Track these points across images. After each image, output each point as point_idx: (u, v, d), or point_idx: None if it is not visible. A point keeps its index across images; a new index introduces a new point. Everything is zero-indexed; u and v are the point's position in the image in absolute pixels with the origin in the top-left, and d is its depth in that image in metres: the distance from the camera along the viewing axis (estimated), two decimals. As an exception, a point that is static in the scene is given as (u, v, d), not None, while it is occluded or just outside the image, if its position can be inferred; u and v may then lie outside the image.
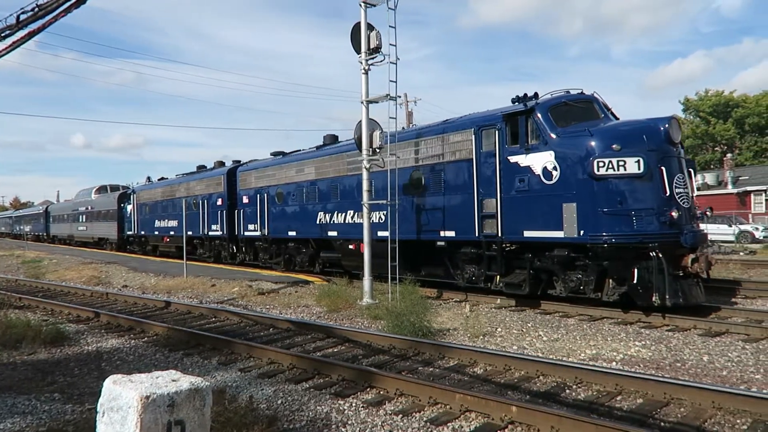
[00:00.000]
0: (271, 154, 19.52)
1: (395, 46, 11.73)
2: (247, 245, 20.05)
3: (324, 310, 11.54)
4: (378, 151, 12.30)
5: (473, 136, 11.62)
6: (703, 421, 5.02)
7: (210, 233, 21.74)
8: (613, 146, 9.62)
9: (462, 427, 5.02)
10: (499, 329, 9.31)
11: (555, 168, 10.11)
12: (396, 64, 11.73)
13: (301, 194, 16.79)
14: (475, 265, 11.96)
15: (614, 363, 7.22)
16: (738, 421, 5.01)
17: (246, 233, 19.50)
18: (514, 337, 8.78)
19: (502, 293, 11.49)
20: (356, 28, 12.13)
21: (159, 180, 28.51)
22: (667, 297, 9.14)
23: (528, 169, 10.54)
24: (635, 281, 9.43)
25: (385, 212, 13.34)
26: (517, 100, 11.29)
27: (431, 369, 6.96)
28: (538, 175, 10.37)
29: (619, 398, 5.70)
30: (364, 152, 12.19)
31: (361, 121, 12.28)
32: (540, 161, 10.35)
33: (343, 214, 15.05)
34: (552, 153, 10.19)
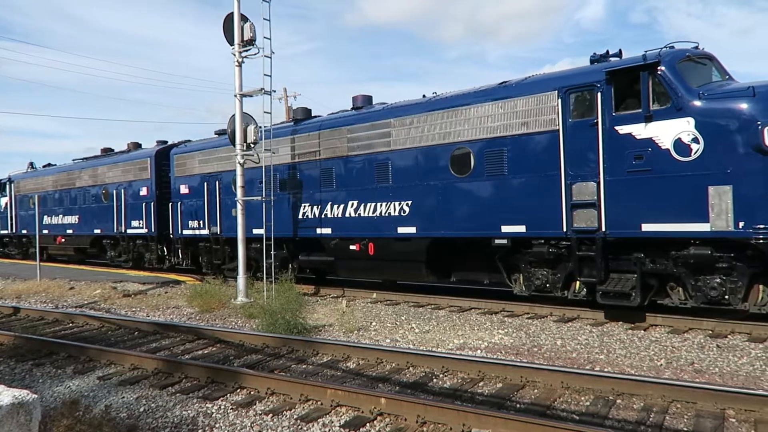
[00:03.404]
0: (216, 133, 15.80)
1: (270, 39, 11.55)
2: (185, 247, 16.12)
3: (196, 311, 11.08)
4: (253, 146, 12.03)
5: (558, 101, 9.10)
6: (553, 401, 5.46)
7: (129, 231, 17.68)
8: None
9: (332, 422, 5.05)
10: (373, 323, 9.49)
11: (695, 140, 7.94)
12: (271, 57, 11.57)
13: (274, 181, 13.00)
14: (548, 269, 9.67)
15: (479, 351, 7.63)
16: (582, 398, 5.51)
17: (185, 232, 15.68)
18: (388, 331, 8.99)
19: (588, 305, 9.38)
20: (229, 19, 11.77)
21: (45, 167, 23.34)
22: None
23: (649, 142, 8.29)
24: None
25: (409, 202, 10.96)
26: (598, 59, 9.16)
27: (304, 366, 6.95)
28: (667, 149, 8.14)
29: (481, 384, 6.04)
30: (238, 147, 11.86)
31: (234, 114, 11.93)
32: (670, 132, 8.12)
33: (342, 206, 12.11)
34: (690, 120, 7.98)
